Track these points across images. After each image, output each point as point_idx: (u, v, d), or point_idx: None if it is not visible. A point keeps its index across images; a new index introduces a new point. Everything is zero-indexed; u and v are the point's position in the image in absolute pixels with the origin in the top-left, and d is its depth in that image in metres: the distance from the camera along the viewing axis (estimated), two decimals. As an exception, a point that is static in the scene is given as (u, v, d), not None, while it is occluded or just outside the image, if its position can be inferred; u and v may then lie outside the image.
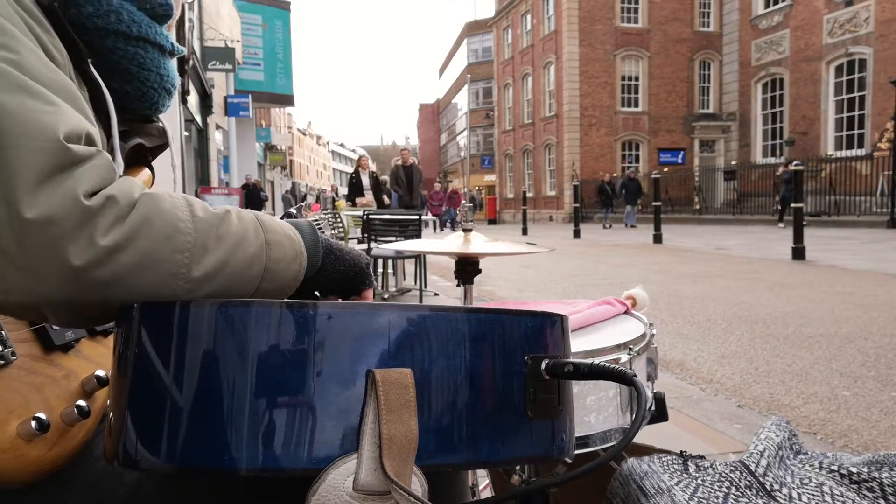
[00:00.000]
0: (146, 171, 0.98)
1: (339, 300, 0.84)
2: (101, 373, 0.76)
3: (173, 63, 0.92)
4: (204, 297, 0.60)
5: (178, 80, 0.93)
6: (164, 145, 0.97)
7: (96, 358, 0.79)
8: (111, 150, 0.82)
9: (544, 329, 0.63)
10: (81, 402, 0.72)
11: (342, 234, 7.04)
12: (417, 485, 0.52)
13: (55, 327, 0.75)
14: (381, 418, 0.51)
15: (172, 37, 0.90)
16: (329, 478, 0.50)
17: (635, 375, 0.63)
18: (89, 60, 0.77)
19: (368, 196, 9.98)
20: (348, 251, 0.81)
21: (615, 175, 25.79)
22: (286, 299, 0.71)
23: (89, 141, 0.61)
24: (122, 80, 0.84)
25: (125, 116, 0.87)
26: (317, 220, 1.42)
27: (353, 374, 0.53)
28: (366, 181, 10.20)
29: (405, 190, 10.26)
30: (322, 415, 0.52)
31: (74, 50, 0.74)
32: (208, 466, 0.52)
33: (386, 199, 10.37)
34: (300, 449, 0.51)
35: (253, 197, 19.54)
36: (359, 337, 0.54)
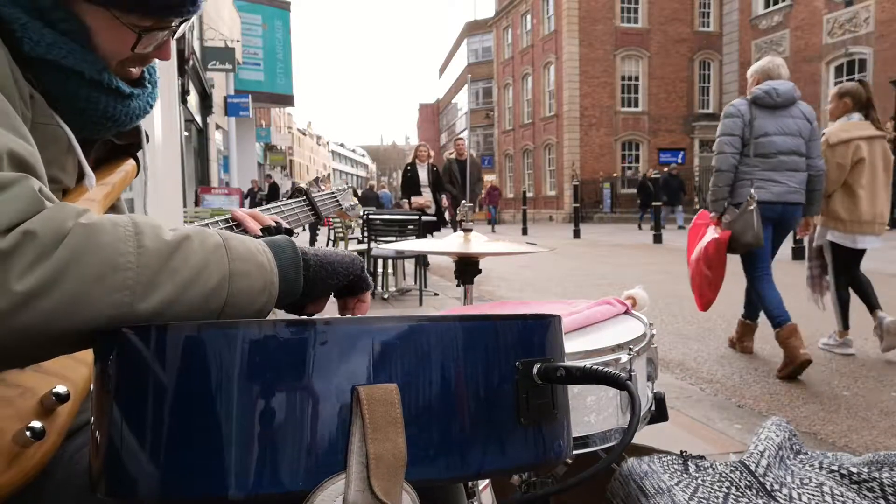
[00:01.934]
0: (130, 161, 0.95)
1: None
2: (60, 389, 0.71)
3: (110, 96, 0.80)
4: None
5: (114, 113, 0.81)
6: (138, 143, 0.93)
7: (59, 370, 0.74)
8: (78, 162, 0.79)
9: (536, 332, 0.62)
10: (35, 423, 0.68)
11: (342, 234, 7.04)
12: (409, 501, 0.51)
13: None
14: (367, 437, 0.50)
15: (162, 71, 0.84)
16: (317, 500, 0.49)
17: (628, 379, 0.62)
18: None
19: (427, 195, 7.97)
20: (340, 261, 0.77)
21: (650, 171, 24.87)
22: (272, 318, 0.70)
23: (14, 160, 0.57)
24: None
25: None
26: (342, 190, 1.40)
27: (340, 391, 0.51)
28: (423, 176, 8.04)
29: (460, 189, 8.61)
30: (309, 435, 0.50)
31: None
32: (196, 497, 0.50)
33: (444, 199, 8.19)
34: (288, 472, 0.50)
35: (272, 196, 19.47)
36: (346, 353, 0.52)
